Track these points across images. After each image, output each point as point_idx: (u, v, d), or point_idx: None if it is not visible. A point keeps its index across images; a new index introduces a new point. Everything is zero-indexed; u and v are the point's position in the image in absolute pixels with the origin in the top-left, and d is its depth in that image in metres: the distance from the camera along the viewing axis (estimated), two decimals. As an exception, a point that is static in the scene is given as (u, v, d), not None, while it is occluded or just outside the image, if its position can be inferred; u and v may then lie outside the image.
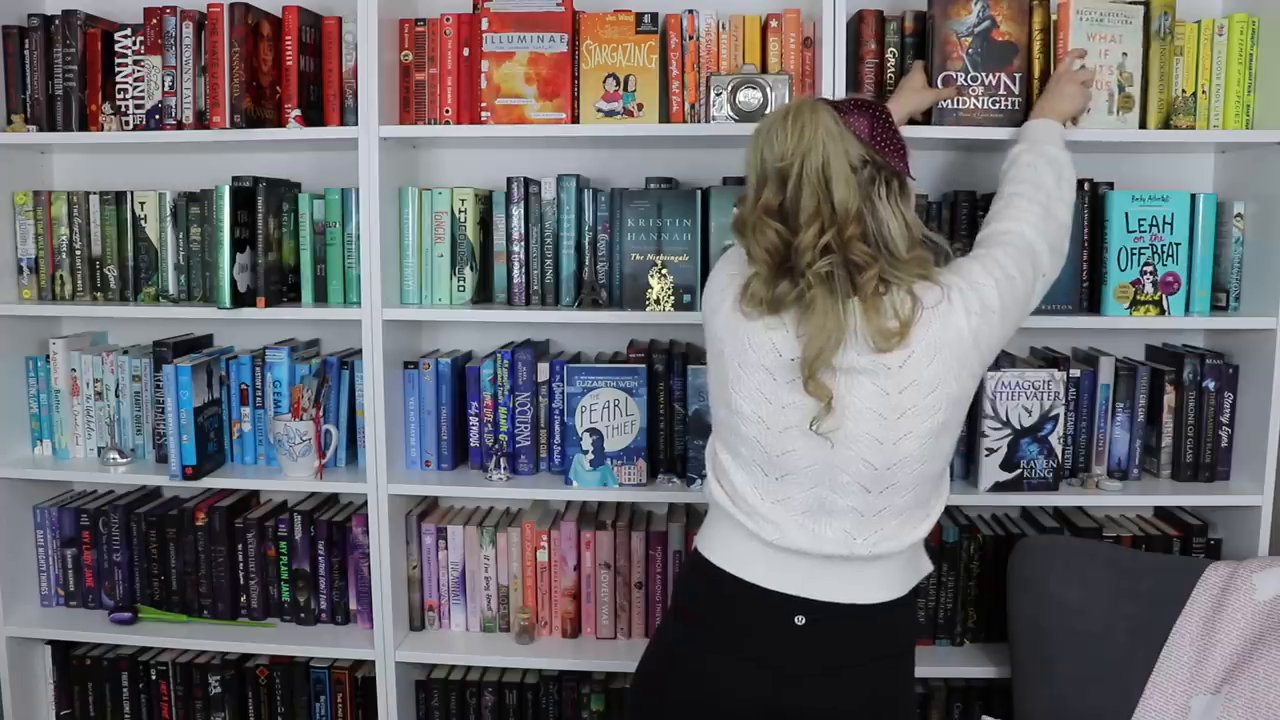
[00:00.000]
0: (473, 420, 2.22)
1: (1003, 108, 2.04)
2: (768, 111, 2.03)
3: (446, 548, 2.27)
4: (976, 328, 1.38)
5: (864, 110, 1.39)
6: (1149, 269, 2.06)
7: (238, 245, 2.12)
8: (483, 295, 2.22)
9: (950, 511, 2.25)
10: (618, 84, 2.10)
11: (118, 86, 2.20)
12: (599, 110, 2.10)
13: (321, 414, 2.20)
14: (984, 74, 2.03)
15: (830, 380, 1.35)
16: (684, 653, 1.49)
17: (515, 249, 2.17)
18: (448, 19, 2.15)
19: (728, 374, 1.43)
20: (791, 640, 1.43)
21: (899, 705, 1.51)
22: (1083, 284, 2.10)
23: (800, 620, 1.42)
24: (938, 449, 1.41)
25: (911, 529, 1.45)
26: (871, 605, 1.44)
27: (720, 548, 1.48)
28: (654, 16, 2.10)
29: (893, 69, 2.07)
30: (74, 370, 2.31)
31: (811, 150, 1.34)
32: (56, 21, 2.19)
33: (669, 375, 2.15)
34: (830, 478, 1.40)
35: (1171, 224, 2.05)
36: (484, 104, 2.11)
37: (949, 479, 1.53)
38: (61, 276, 2.30)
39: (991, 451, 2.06)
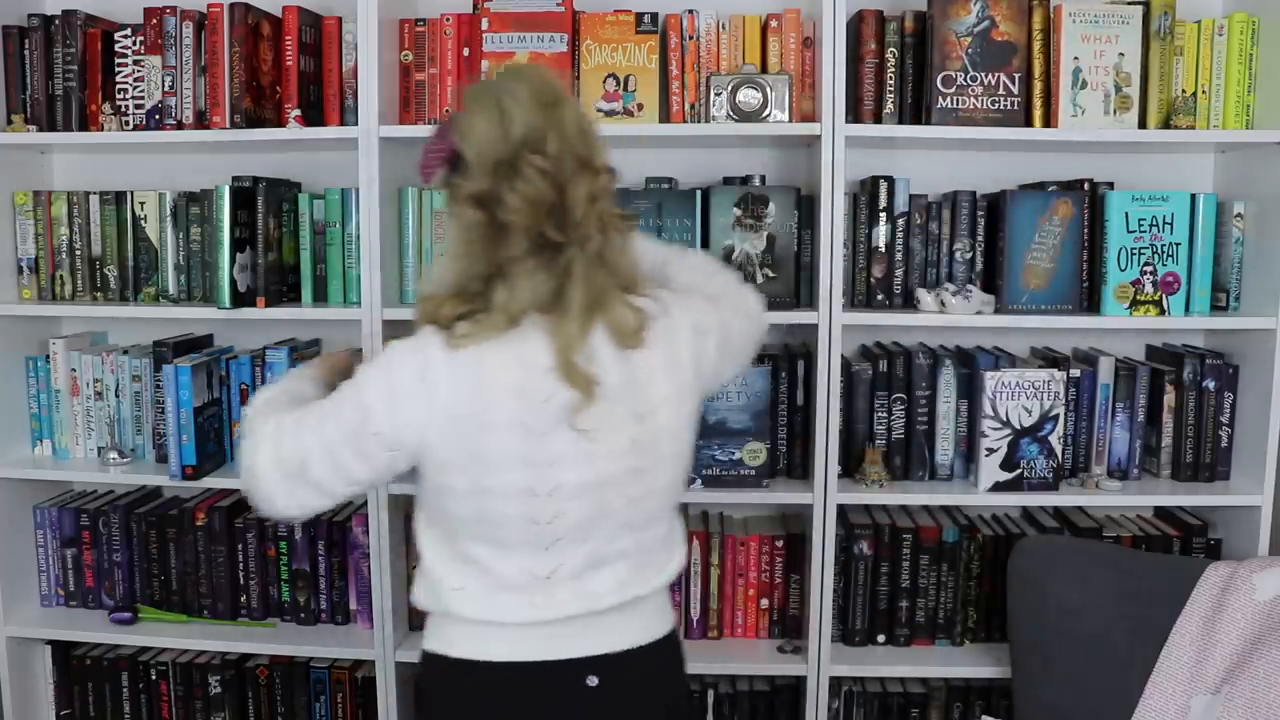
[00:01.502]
0: (473, 420, 2.21)
1: (1002, 108, 2.04)
2: (768, 111, 2.04)
3: (446, 548, 2.26)
4: None
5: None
6: (1149, 269, 2.06)
7: (238, 245, 2.12)
8: (483, 295, 2.21)
9: (950, 511, 2.25)
10: (618, 84, 2.10)
11: (118, 86, 2.20)
12: (599, 110, 2.10)
13: (321, 414, 2.20)
14: (983, 74, 2.03)
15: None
16: None
17: (515, 249, 2.16)
18: (448, 19, 2.15)
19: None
20: (589, 702, 1.35)
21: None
22: (1083, 284, 2.10)
23: (593, 681, 1.35)
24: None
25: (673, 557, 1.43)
26: (656, 642, 1.40)
27: (478, 640, 1.36)
28: (654, 16, 2.10)
29: (893, 69, 2.07)
30: (74, 370, 2.31)
31: None
32: (56, 21, 2.19)
33: (669, 375, 2.15)
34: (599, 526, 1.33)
35: (1171, 224, 2.05)
36: (484, 104, 2.11)
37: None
38: (61, 276, 2.30)
39: (991, 451, 2.06)
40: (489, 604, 1.34)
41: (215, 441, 2.23)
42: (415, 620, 2.28)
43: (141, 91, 2.19)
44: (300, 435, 1.29)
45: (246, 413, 1.38)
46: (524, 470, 1.27)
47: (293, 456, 1.29)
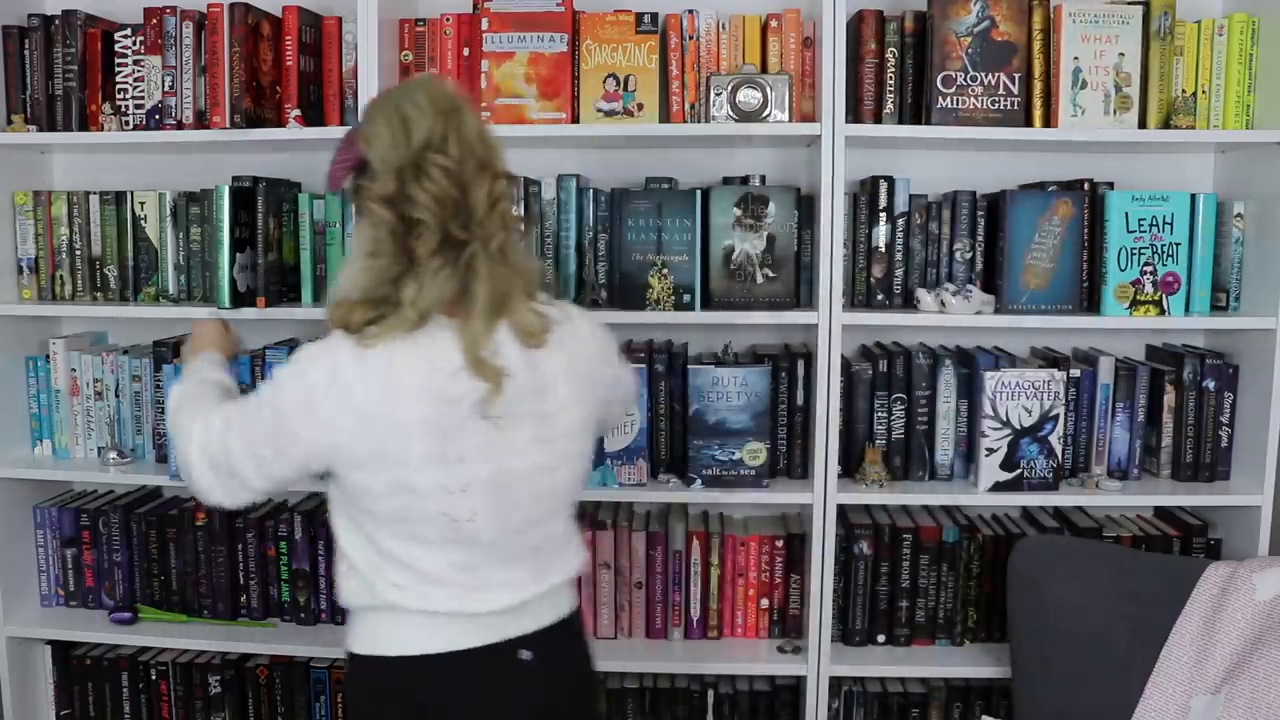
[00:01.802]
0: (473, 420, 2.21)
1: (1002, 108, 2.04)
2: (768, 111, 2.04)
3: (446, 548, 2.26)
4: None
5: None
6: (1149, 269, 2.06)
7: (238, 245, 2.12)
8: (483, 295, 2.21)
9: (950, 511, 2.25)
10: (618, 84, 2.10)
11: (118, 86, 2.20)
12: (599, 110, 2.10)
13: (321, 414, 2.20)
14: (983, 74, 2.03)
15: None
16: None
17: (515, 249, 2.16)
18: (448, 19, 2.15)
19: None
20: (524, 675, 1.42)
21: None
22: (1083, 284, 2.10)
23: (526, 655, 1.41)
24: None
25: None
26: (566, 618, 1.49)
27: (420, 633, 1.38)
28: (654, 16, 2.10)
29: (893, 69, 2.07)
30: (74, 370, 2.31)
31: None
32: (56, 21, 2.19)
33: (669, 375, 2.15)
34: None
35: (1171, 224, 2.05)
36: (484, 104, 2.11)
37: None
38: (61, 276, 2.30)
39: (991, 451, 2.06)
40: (423, 596, 1.37)
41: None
42: (415, 620, 2.28)
43: (141, 91, 2.19)
44: (225, 437, 1.37)
45: (170, 408, 1.49)
46: (436, 468, 1.31)
47: (219, 455, 1.37)
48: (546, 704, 1.44)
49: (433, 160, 1.29)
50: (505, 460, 1.35)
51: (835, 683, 2.18)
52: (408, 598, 1.36)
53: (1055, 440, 2.07)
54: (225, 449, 1.36)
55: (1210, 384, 2.11)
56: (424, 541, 1.35)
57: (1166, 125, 2.06)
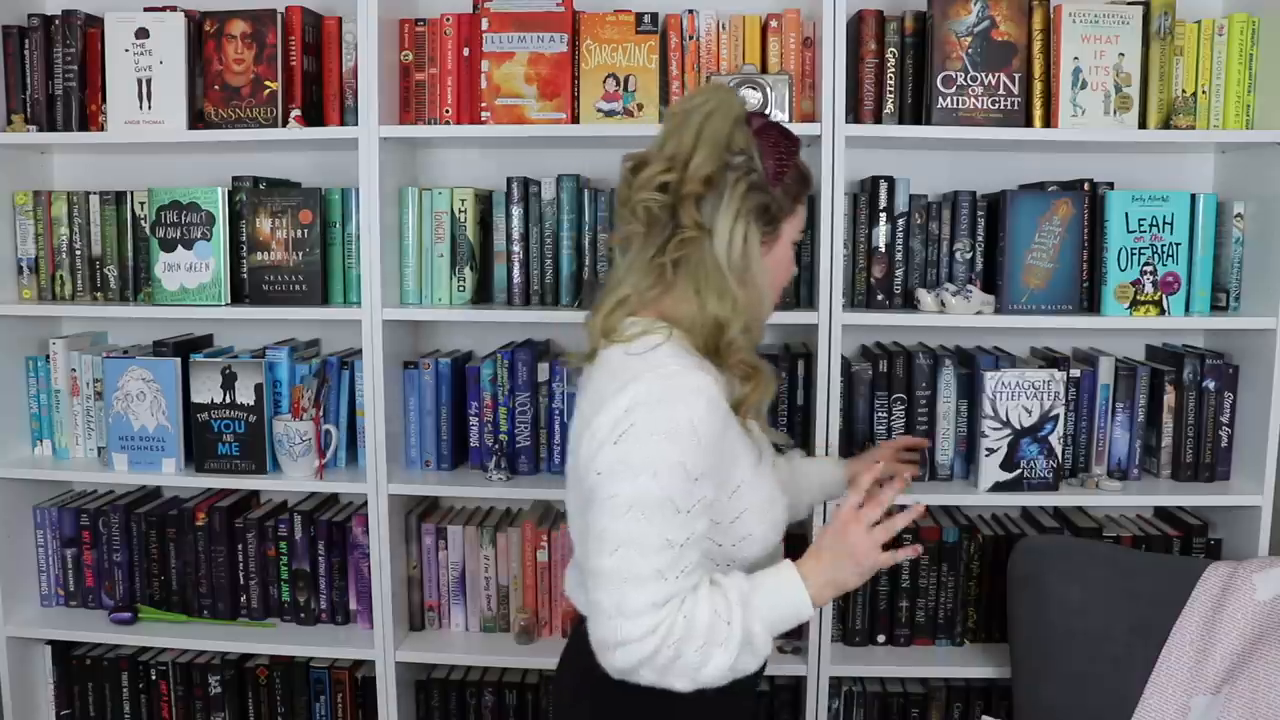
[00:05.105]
0: (473, 420, 2.22)
1: (1002, 108, 2.04)
2: (768, 112, 2.04)
3: (446, 548, 2.26)
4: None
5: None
6: (1149, 269, 2.06)
7: (237, 245, 2.12)
8: (482, 295, 2.22)
9: (950, 511, 2.26)
10: (618, 84, 2.10)
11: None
12: (599, 110, 2.10)
13: (321, 414, 2.20)
14: (983, 74, 2.03)
15: None
16: None
17: (515, 249, 2.17)
18: (448, 19, 2.15)
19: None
20: None
21: None
22: (1083, 284, 2.10)
23: None
24: None
25: None
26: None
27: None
28: (654, 16, 2.10)
29: (893, 69, 2.07)
30: (74, 370, 2.31)
31: None
32: (56, 21, 2.19)
33: (669, 375, 2.14)
34: None
35: (1171, 224, 2.05)
36: (484, 104, 2.11)
37: None
38: (61, 276, 2.30)
39: (991, 451, 2.06)
40: None
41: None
42: (415, 620, 2.28)
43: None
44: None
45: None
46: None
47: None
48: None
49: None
50: None
51: (835, 683, 2.18)
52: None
53: (1055, 440, 2.07)
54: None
55: (1210, 384, 2.11)
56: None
57: (1166, 125, 2.06)
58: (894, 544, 1.27)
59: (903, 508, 1.29)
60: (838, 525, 1.27)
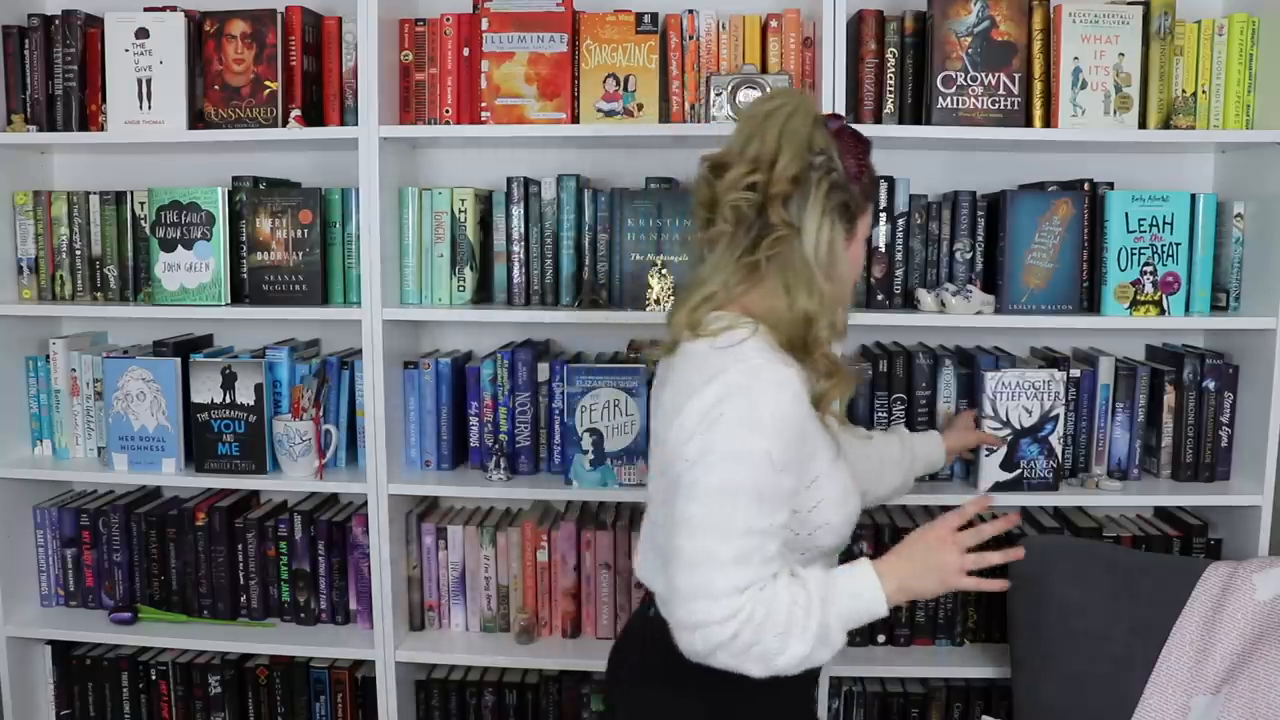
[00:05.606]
0: (473, 420, 2.22)
1: (1002, 108, 2.04)
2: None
3: (446, 548, 2.27)
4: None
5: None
6: (1149, 269, 2.06)
7: (237, 245, 2.12)
8: (483, 295, 2.22)
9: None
10: (618, 84, 2.10)
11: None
12: (599, 110, 2.10)
13: (321, 414, 2.20)
14: (983, 74, 2.03)
15: None
16: None
17: (515, 249, 2.17)
18: (448, 19, 2.15)
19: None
20: None
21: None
22: (1083, 284, 2.10)
23: None
24: None
25: None
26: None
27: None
28: (654, 16, 2.10)
29: (893, 69, 2.07)
30: (74, 370, 2.31)
31: None
32: (56, 21, 2.19)
33: (669, 375, 2.15)
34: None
35: (1171, 224, 2.05)
36: (484, 104, 2.11)
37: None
38: (61, 276, 2.30)
39: (991, 451, 2.06)
40: None
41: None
42: (415, 620, 2.28)
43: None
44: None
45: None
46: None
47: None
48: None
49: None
50: None
51: (835, 682, 2.18)
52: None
53: (1055, 440, 2.06)
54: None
55: (1210, 384, 2.11)
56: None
57: (1166, 125, 2.06)
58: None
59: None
60: (933, 538, 1.35)
